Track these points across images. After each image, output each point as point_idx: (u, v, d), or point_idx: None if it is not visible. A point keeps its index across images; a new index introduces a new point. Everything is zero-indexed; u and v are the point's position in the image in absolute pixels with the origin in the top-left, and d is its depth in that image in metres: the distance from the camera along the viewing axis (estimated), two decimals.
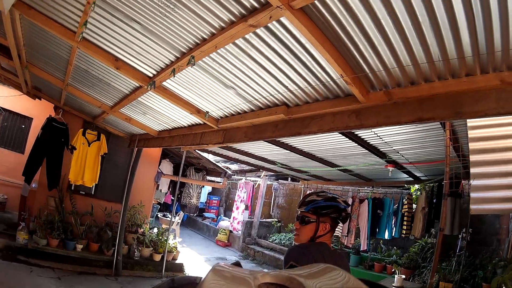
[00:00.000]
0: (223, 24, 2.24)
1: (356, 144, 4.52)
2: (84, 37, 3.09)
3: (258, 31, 2.15)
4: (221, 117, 3.87)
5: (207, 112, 3.74)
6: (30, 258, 5.74)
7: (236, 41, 2.32)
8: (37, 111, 7.95)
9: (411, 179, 7.30)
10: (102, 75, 4.09)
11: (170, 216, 7.65)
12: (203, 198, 14.90)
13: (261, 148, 5.95)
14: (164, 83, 3.45)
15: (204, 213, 15.02)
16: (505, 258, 4.91)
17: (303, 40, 2.11)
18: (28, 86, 6.06)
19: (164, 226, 8.99)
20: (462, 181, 4.91)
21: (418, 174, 6.92)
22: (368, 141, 4.49)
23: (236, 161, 8.31)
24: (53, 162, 6.37)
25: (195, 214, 13.73)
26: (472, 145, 3.84)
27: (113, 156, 7.49)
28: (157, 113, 4.74)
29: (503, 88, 1.83)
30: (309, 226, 1.83)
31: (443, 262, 6.74)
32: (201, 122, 4.29)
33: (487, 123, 3.85)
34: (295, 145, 5.22)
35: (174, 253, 7.58)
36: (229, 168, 11.80)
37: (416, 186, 8.15)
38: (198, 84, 3.25)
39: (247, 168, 11.63)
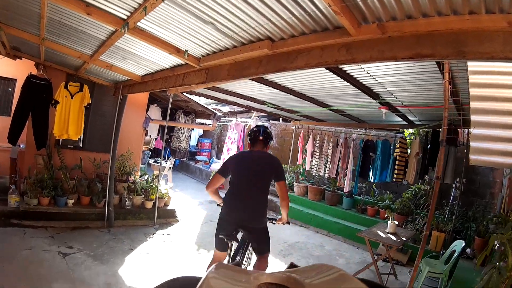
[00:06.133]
0: None
1: (348, 84, 4.40)
2: None
3: None
4: (203, 56, 3.70)
5: (186, 50, 3.56)
6: (23, 220, 5.66)
7: None
8: (20, 72, 7.41)
9: (405, 123, 7.16)
10: (76, 24, 3.81)
11: (160, 162, 7.60)
12: (193, 141, 14.70)
13: (248, 87, 5.83)
14: (139, 23, 3.23)
15: (196, 157, 14.82)
16: (499, 214, 4.80)
17: None
18: (7, 47, 5.71)
19: (155, 172, 8.99)
20: (461, 129, 4.74)
21: (412, 118, 6.78)
22: (361, 80, 4.35)
23: (225, 102, 8.19)
24: (39, 121, 6.06)
25: (186, 158, 13.56)
26: (473, 91, 3.59)
27: (100, 106, 7.29)
28: (137, 57, 4.52)
29: (511, 32, 1.68)
30: None
31: (436, 211, 6.73)
32: (183, 63, 4.12)
33: (489, 69, 3.57)
34: (283, 83, 5.11)
35: (166, 199, 7.53)
36: (220, 110, 11.64)
37: (410, 130, 7.99)
38: (175, 22, 3.05)
39: (238, 109, 11.47)
